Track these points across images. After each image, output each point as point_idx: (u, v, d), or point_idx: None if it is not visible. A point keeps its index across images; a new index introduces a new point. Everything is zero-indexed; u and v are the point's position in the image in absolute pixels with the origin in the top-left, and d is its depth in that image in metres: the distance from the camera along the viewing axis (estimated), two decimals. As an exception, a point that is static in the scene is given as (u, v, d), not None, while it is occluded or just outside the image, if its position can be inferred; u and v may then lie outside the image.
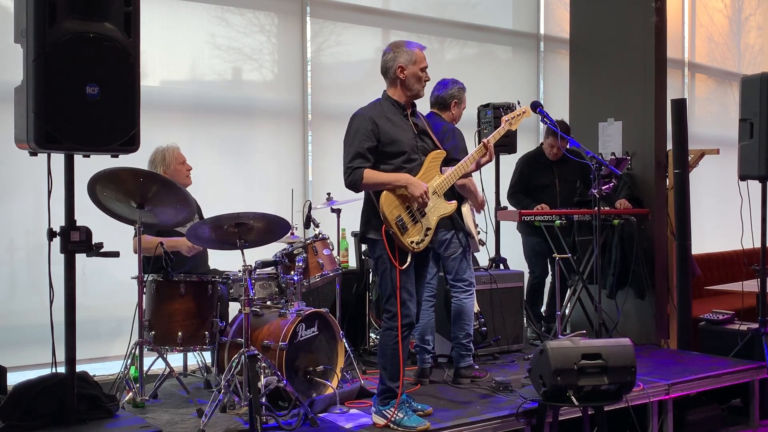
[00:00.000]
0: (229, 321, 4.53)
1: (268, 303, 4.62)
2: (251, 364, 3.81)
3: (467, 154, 4.24)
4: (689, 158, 6.08)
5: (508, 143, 5.95)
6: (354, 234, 5.56)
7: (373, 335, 5.77)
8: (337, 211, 5.44)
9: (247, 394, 3.72)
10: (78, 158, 3.58)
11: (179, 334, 4.31)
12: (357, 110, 3.95)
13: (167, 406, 4.27)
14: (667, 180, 6.21)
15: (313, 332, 4.37)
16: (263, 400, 3.77)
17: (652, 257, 6.08)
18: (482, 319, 5.37)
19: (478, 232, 5.04)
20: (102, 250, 3.61)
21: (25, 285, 5.23)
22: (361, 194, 3.99)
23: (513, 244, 6.50)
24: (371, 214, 3.89)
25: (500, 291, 5.62)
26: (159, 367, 4.45)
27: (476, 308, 5.11)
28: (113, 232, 4.17)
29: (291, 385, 4.03)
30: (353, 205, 4.62)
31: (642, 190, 6.18)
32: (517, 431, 4.15)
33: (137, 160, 3.98)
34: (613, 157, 6.19)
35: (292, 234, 4.65)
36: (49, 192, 3.56)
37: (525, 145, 6.52)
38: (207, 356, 4.88)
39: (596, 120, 6.48)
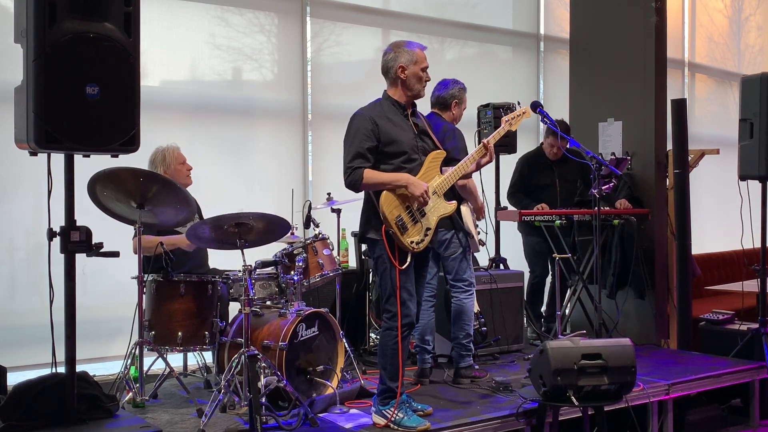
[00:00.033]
0: (229, 321, 4.53)
1: (268, 303, 4.61)
2: (251, 364, 3.81)
3: (467, 154, 4.24)
4: (689, 158, 6.08)
5: (508, 143, 5.95)
6: (354, 234, 5.56)
7: (373, 335, 5.77)
8: (337, 211, 5.44)
9: (247, 394, 3.72)
10: (78, 158, 3.58)
11: (179, 334, 4.31)
12: (357, 110, 3.95)
13: (167, 406, 4.27)
14: (667, 180, 6.21)
15: (313, 332, 4.37)
16: (263, 400, 3.77)
17: (652, 257, 6.08)
18: (482, 319, 5.37)
19: (478, 233, 5.04)
20: (102, 250, 3.61)
21: (25, 285, 5.22)
22: (361, 194, 3.99)
23: (513, 244, 6.50)
24: (371, 214, 3.89)
25: (500, 291, 5.61)
26: (159, 367, 4.45)
27: (476, 308, 5.11)
28: (113, 232, 4.17)
29: (291, 385, 4.03)
30: (353, 205, 4.62)
31: (642, 190, 6.18)
32: (517, 431, 4.15)
33: (137, 160, 3.98)
34: (613, 157, 6.19)
35: (292, 234, 4.65)
36: (49, 192, 3.55)
37: (525, 145, 6.52)
38: (207, 356, 4.88)
39: (596, 120, 6.48)
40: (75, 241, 3.50)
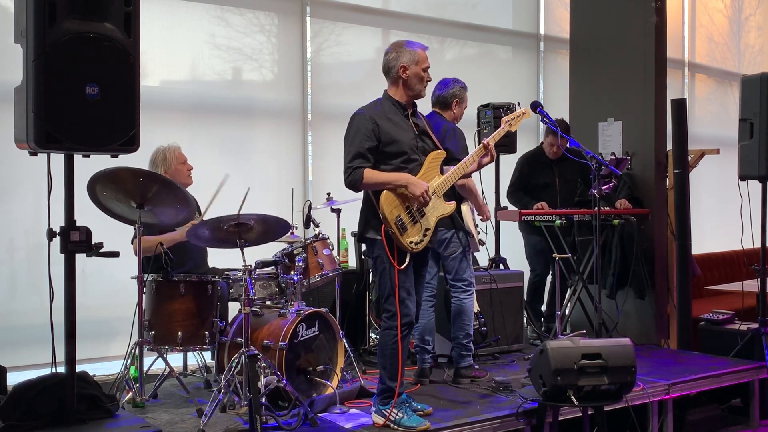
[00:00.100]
0: (229, 321, 4.53)
1: (268, 303, 4.62)
2: (251, 364, 3.82)
3: (468, 153, 4.24)
4: (689, 158, 6.08)
5: (508, 143, 5.94)
6: (354, 234, 5.55)
7: (373, 335, 5.77)
8: (337, 211, 5.44)
9: (247, 394, 3.72)
10: (78, 158, 3.58)
11: (179, 334, 4.31)
12: (357, 110, 3.95)
13: (167, 406, 4.27)
14: (667, 180, 6.21)
15: (313, 332, 4.37)
16: (263, 400, 3.76)
17: (652, 257, 6.08)
18: (482, 319, 5.37)
19: (478, 232, 5.04)
20: (102, 250, 3.61)
21: (25, 285, 5.22)
22: (361, 194, 3.99)
23: (513, 244, 6.50)
24: (370, 213, 3.89)
25: (500, 291, 5.61)
26: (159, 367, 4.45)
27: (476, 308, 5.11)
28: (113, 232, 4.17)
29: (291, 385, 4.03)
30: (353, 205, 4.62)
31: (642, 190, 6.18)
32: (517, 431, 4.15)
33: (137, 160, 3.98)
34: (613, 157, 6.19)
35: (292, 234, 4.65)
36: (49, 192, 3.56)
37: (525, 145, 6.52)
38: (207, 356, 4.88)
39: (596, 120, 6.48)
40: (75, 241, 3.50)
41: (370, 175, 3.79)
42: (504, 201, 6.25)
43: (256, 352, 3.94)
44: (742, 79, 5.63)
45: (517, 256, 6.44)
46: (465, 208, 4.84)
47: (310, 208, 5.06)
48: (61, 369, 3.63)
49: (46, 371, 3.75)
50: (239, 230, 4.08)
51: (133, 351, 4.23)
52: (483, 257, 5.95)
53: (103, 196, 4.15)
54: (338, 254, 5.37)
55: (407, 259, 3.84)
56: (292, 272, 4.61)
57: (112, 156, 3.58)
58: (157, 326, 4.32)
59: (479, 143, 4.12)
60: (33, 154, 3.43)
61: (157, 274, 4.35)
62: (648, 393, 4.58)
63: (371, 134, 3.82)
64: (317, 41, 6.55)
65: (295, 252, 4.70)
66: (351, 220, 4.87)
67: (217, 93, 6.08)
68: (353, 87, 6.62)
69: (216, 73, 6.08)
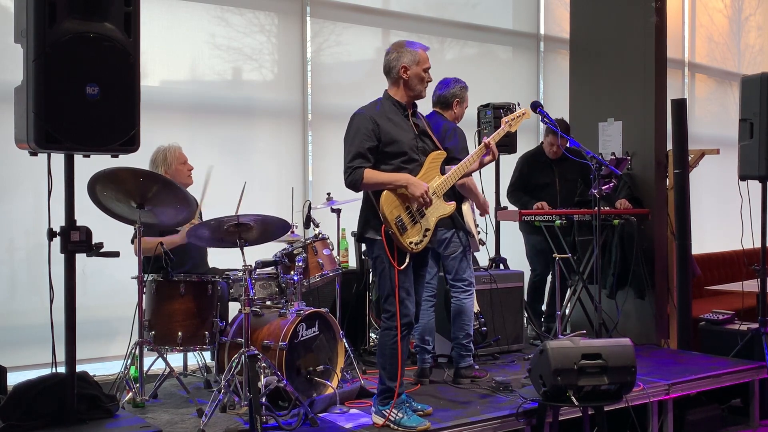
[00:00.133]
0: (229, 321, 4.53)
1: (268, 303, 4.61)
2: (251, 364, 3.81)
3: (468, 153, 4.24)
4: (689, 158, 6.08)
5: (508, 143, 5.94)
6: (354, 234, 5.55)
7: (373, 335, 5.77)
8: (337, 211, 5.44)
9: (247, 394, 3.72)
10: (78, 158, 3.58)
11: (179, 334, 4.32)
12: (357, 109, 3.95)
13: (167, 406, 4.27)
14: (667, 180, 6.21)
15: (314, 332, 4.37)
16: (263, 400, 3.76)
17: (652, 257, 6.08)
18: (482, 319, 5.37)
19: (479, 232, 5.04)
20: (102, 250, 3.61)
21: (25, 285, 5.22)
22: (361, 194, 3.99)
23: (513, 244, 6.50)
24: (370, 214, 3.89)
25: (500, 291, 5.61)
26: (159, 367, 4.45)
27: (476, 308, 5.11)
28: (113, 232, 4.17)
29: (291, 385, 4.03)
30: (353, 205, 4.62)
31: (642, 190, 6.18)
32: (517, 431, 4.15)
33: (137, 160, 3.98)
34: (613, 157, 6.19)
35: (292, 233, 4.65)
36: (49, 192, 3.55)
37: (525, 145, 6.52)
38: (207, 356, 4.88)
39: (596, 120, 6.48)
40: (75, 241, 3.50)
41: (371, 175, 3.78)
42: (504, 201, 6.25)
43: (256, 352, 3.94)
44: (742, 79, 5.63)
45: (517, 256, 6.44)
46: (465, 207, 4.84)
47: (310, 208, 5.06)
48: (61, 369, 3.63)
49: (46, 371, 3.75)
50: (239, 230, 4.08)
51: (133, 351, 4.23)
52: (483, 257, 5.96)
53: (104, 196, 4.15)
54: (338, 254, 5.37)
55: (407, 260, 3.84)
56: (292, 272, 4.61)
57: (112, 156, 3.58)
58: (157, 326, 4.32)
59: (479, 143, 4.12)
60: (33, 154, 3.43)
61: (157, 274, 4.35)
62: (648, 393, 4.58)
63: (371, 134, 3.82)
64: (317, 41, 6.55)
65: (295, 252, 4.70)
66: (351, 220, 4.87)
67: (217, 93, 6.08)
68: (353, 87, 6.62)
69: (216, 73, 6.08)
